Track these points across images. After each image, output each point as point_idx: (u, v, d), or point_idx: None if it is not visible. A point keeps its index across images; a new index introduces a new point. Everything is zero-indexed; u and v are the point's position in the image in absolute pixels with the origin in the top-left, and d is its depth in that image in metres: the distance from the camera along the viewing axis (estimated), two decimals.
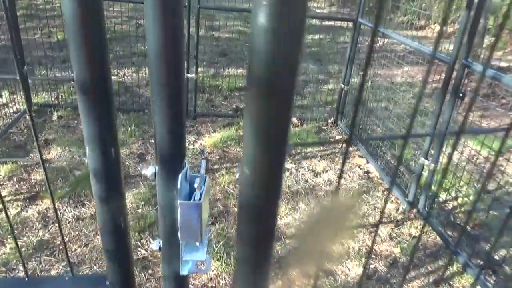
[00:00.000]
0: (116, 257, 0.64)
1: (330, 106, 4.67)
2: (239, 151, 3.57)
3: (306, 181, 3.27)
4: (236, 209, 2.84)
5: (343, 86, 4.06)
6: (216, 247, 2.46)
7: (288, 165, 3.46)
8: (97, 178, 0.56)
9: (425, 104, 4.56)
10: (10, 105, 3.79)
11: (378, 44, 5.09)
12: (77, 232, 2.47)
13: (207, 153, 3.49)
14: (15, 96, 3.85)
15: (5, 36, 4.52)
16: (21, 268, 2.18)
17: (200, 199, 0.56)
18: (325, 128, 4.20)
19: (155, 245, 0.64)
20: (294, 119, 4.23)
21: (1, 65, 4.49)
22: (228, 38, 6.77)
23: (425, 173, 2.91)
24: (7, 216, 0.74)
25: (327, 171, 3.45)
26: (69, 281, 0.68)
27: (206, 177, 0.61)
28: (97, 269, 2.22)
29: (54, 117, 3.73)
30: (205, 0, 6.61)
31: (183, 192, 0.56)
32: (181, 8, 0.47)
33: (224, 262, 2.36)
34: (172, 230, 0.60)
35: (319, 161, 3.58)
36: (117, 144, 0.56)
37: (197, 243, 0.60)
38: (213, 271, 2.31)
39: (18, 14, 6.93)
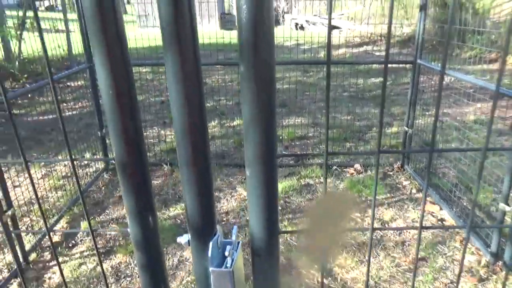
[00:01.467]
0: None
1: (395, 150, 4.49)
2: (301, 201, 3.53)
3: (373, 231, 3.10)
4: (298, 263, 2.76)
5: (406, 129, 3.91)
6: None
7: (353, 214, 3.34)
8: (138, 246, 0.61)
9: (503, 142, 4.21)
10: (91, 165, 4.19)
11: (444, 82, 4.89)
12: None
13: None
14: (95, 156, 4.26)
15: (90, 103, 5.10)
16: None
17: (231, 266, 0.58)
18: (391, 173, 4.02)
19: None
20: (358, 166, 4.12)
21: (86, 128, 5.03)
22: (287, 89, 6.96)
23: (508, 219, 2.63)
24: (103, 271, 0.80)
25: (395, 219, 3.26)
26: None
27: (239, 242, 0.63)
28: None
29: None
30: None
31: (215, 260, 0.58)
32: (201, 82, 0.52)
33: None
34: None
35: (386, 209, 3.40)
36: (155, 214, 0.61)
37: None
38: None
39: None
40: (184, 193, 0.56)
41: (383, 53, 10.10)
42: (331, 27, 0.51)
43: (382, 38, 10.88)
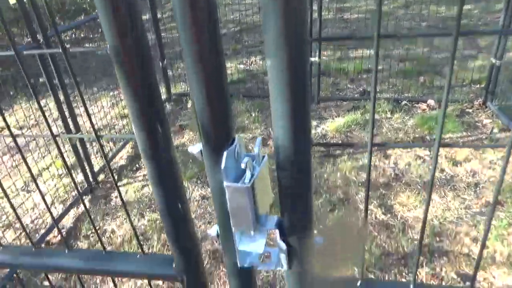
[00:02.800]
0: (177, 240, 0.61)
1: (477, 85, 3.99)
2: (363, 136, 3.33)
3: (443, 170, 2.86)
4: (357, 197, 2.65)
5: (494, 60, 3.40)
6: None
7: (421, 152, 3.08)
8: (147, 158, 0.53)
9: None
10: None
11: None
12: (202, 210, 2.65)
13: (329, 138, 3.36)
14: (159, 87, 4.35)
15: (152, 36, 5.12)
16: (155, 237, 2.44)
17: (249, 181, 0.48)
18: (470, 110, 3.60)
19: (213, 230, 0.58)
20: (431, 101, 3.75)
21: None
22: (357, 19, 6.39)
23: None
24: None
25: (470, 160, 2.95)
26: (139, 258, 0.68)
27: (264, 156, 0.52)
28: (217, 245, 2.35)
29: (189, 105, 4.08)
30: None
31: (231, 173, 0.48)
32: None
33: None
34: (226, 215, 0.53)
35: (460, 148, 3.09)
36: (166, 121, 0.51)
37: (252, 232, 0.52)
38: None
39: (165, 15, 7.79)
40: (191, 88, 0.46)
41: None
42: None
43: None
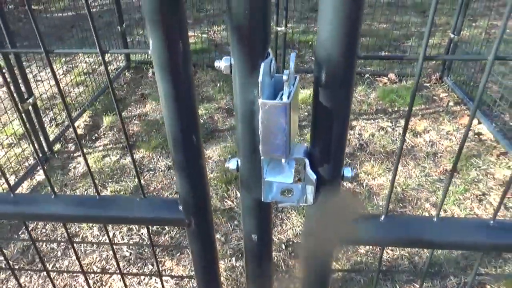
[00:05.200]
0: (188, 176, 0.55)
1: (434, 62, 4.15)
2: None
3: (404, 141, 2.96)
4: None
5: (452, 36, 3.53)
6: None
7: (384, 123, 3.17)
8: (163, 72, 0.46)
9: None
10: (113, 62, 4.04)
11: None
12: (168, 180, 2.56)
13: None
14: (117, 54, 4.10)
15: (109, 1, 4.80)
16: None
17: (288, 98, 0.43)
18: (428, 85, 3.75)
19: (232, 164, 0.53)
20: (392, 75, 3.85)
21: (106, 27, 4.80)
22: None
23: None
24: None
25: (428, 131, 3.08)
26: (139, 202, 0.62)
27: (296, 77, 0.47)
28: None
29: (150, 73, 3.89)
30: None
31: (266, 90, 0.43)
32: None
33: None
34: (253, 143, 0.48)
35: (419, 120, 3.21)
36: (186, 34, 0.45)
37: (283, 160, 0.48)
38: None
39: None
40: None
41: None
42: None
43: None
